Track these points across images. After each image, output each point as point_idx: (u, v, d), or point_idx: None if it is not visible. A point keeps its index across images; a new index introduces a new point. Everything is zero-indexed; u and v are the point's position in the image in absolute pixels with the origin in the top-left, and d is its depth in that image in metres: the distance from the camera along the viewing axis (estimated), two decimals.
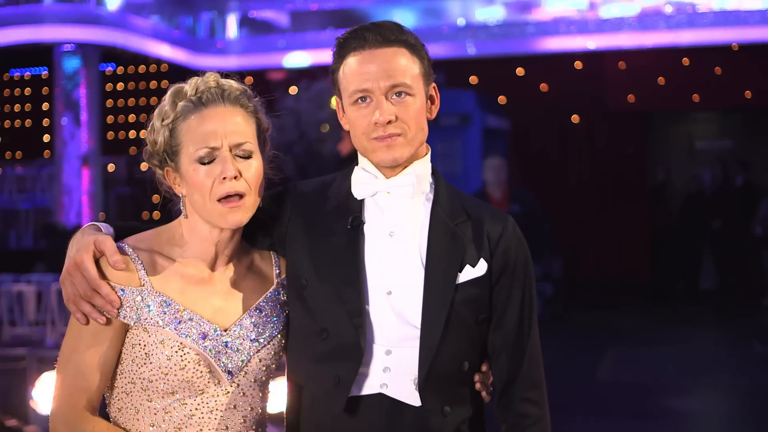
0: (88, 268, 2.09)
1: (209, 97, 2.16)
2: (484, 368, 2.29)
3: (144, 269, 2.14)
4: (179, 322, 2.13)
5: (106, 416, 2.23)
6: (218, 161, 2.13)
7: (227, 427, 2.17)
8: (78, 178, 12.72)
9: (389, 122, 2.17)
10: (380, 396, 2.18)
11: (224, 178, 2.11)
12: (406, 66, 2.20)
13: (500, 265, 2.25)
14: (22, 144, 16.71)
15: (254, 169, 2.16)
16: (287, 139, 12.31)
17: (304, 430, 2.25)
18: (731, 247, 13.11)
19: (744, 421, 7.51)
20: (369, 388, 2.19)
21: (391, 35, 2.21)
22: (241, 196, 2.14)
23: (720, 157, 14.35)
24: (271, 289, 2.27)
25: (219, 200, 2.13)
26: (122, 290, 2.11)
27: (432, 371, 2.17)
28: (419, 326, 2.18)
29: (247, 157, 2.16)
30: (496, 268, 2.24)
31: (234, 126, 2.15)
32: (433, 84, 2.29)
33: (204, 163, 2.13)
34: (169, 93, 2.19)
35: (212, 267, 2.21)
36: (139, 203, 14.20)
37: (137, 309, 2.11)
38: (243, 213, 2.15)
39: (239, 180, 2.13)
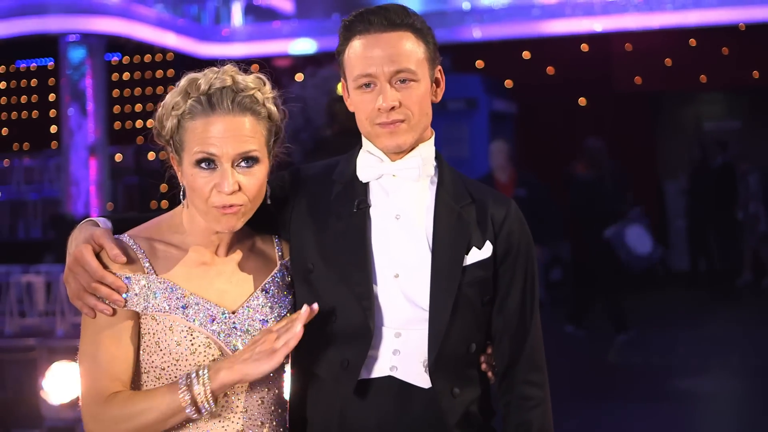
0: (89, 261, 2.07)
1: (219, 100, 2.10)
2: (489, 350, 2.30)
3: (146, 257, 2.13)
4: (186, 307, 2.12)
5: None
6: (218, 172, 2.09)
7: (245, 410, 2.16)
8: (85, 169, 12.70)
9: (392, 108, 2.16)
10: (390, 379, 2.18)
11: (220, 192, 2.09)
12: (410, 50, 2.18)
13: (504, 248, 2.25)
14: (29, 135, 16.71)
15: (256, 179, 2.12)
16: (293, 126, 12.28)
17: (311, 414, 2.24)
18: (738, 228, 13.06)
19: (754, 402, 7.51)
20: (378, 371, 2.19)
21: (397, 19, 2.20)
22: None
23: (726, 138, 14.28)
24: (275, 271, 2.25)
25: (215, 206, 2.11)
26: (127, 278, 2.10)
27: (442, 353, 2.17)
28: (427, 309, 2.18)
29: (252, 164, 2.12)
30: (500, 251, 2.25)
31: (240, 137, 2.09)
32: (439, 67, 2.27)
33: (203, 168, 2.09)
34: (184, 80, 2.14)
35: (215, 252, 2.20)
36: (147, 193, 14.20)
37: (144, 296, 2.10)
38: (238, 219, 2.12)
39: (237, 194, 2.09)
